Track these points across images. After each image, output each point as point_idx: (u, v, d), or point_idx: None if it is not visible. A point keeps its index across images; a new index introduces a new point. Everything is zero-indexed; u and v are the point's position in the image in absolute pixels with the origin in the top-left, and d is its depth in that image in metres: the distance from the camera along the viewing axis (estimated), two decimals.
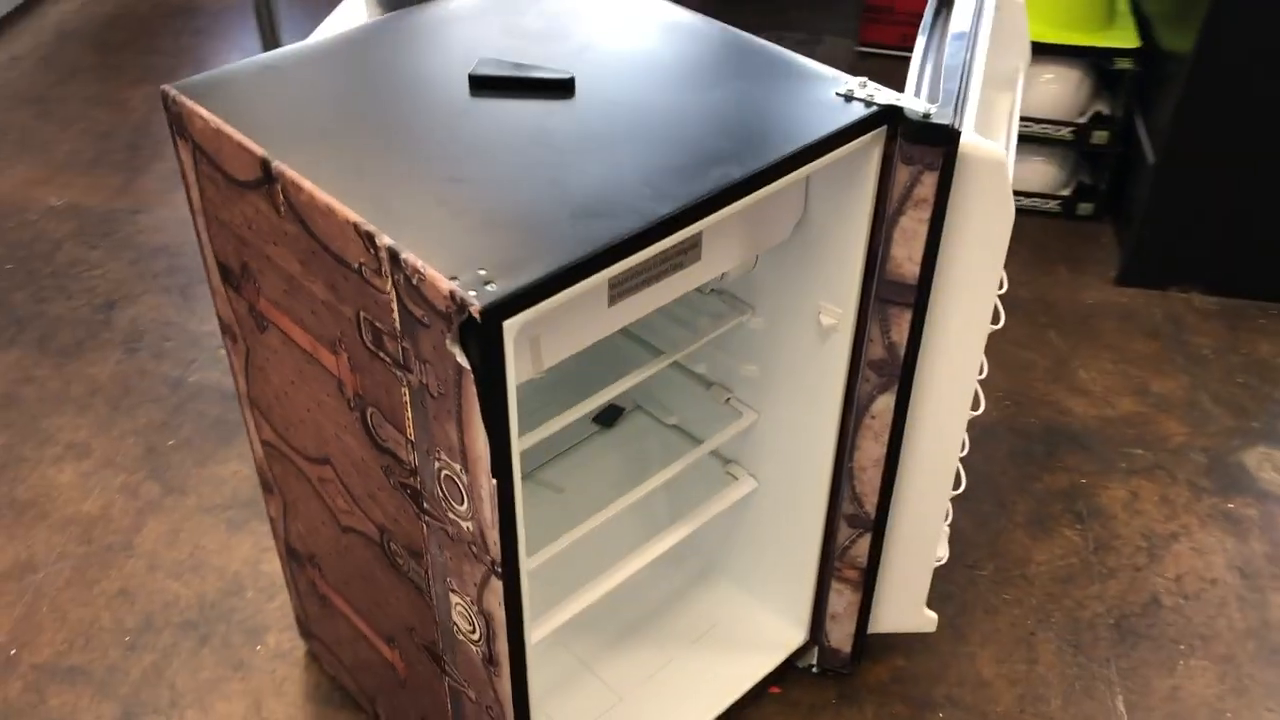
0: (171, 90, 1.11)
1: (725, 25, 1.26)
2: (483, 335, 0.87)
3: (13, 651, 1.62)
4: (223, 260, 1.19)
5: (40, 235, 2.43)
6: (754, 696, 1.53)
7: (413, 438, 1.02)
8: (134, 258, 2.37)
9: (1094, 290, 2.33)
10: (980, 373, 1.44)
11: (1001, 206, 1.15)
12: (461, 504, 1.01)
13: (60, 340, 2.16)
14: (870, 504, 1.38)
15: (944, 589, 1.73)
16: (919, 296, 1.20)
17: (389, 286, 0.93)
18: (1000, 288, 1.38)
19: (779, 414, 1.41)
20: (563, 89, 1.13)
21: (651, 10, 1.28)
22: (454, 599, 1.12)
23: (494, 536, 0.99)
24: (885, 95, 1.11)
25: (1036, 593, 1.73)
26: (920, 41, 1.28)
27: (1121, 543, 1.81)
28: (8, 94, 2.93)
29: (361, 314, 0.99)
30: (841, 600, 1.49)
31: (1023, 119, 2.42)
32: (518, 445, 0.95)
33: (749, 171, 1.01)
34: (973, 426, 2.03)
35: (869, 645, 1.62)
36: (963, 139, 1.12)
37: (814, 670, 1.60)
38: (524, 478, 1.57)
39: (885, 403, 1.29)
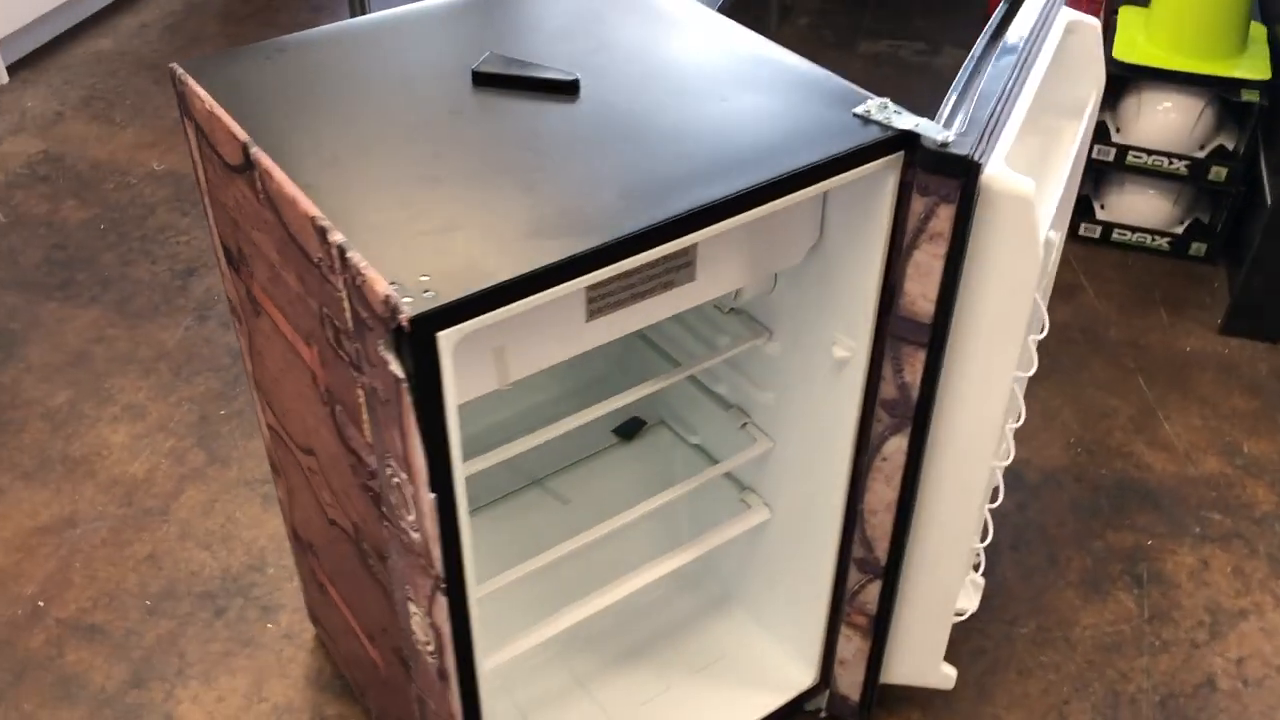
0: (179, 69, 1.11)
1: (759, 36, 1.19)
2: (416, 345, 0.83)
3: (40, 603, 1.66)
4: (225, 241, 1.19)
5: (137, 198, 2.51)
6: None
7: (370, 440, 1.00)
8: None
9: (1195, 337, 2.17)
10: (1017, 420, 1.35)
11: (1027, 246, 1.06)
12: (410, 514, 0.98)
13: (137, 303, 2.22)
14: (881, 550, 1.30)
15: (976, 643, 1.63)
16: (934, 337, 1.12)
17: (341, 285, 0.90)
18: (1040, 331, 1.28)
19: (793, 444, 1.34)
20: (567, 90, 1.08)
21: (685, 14, 1.23)
22: (410, 607, 1.09)
23: (436, 552, 0.96)
24: (904, 120, 1.04)
25: (1077, 658, 1.61)
26: (968, 61, 1.19)
27: (1182, 614, 1.68)
28: (131, 59, 3.03)
29: (324, 309, 0.97)
30: (850, 646, 1.42)
31: (1134, 149, 2.27)
32: (460, 459, 0.91)
33: (731, 192, 0.94)
34: (1034, 472, 1.93)
35: (885, 695, 1.54)
36: (987, 171, 1.04)
37: (822, 716, 1.52)
38: (533, 484, 1.55)
39: (897, 445, 1.21)
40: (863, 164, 1.02)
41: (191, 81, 1.09)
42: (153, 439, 1.93)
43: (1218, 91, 2.21)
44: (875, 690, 1.46)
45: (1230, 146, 2.25)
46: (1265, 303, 2.13)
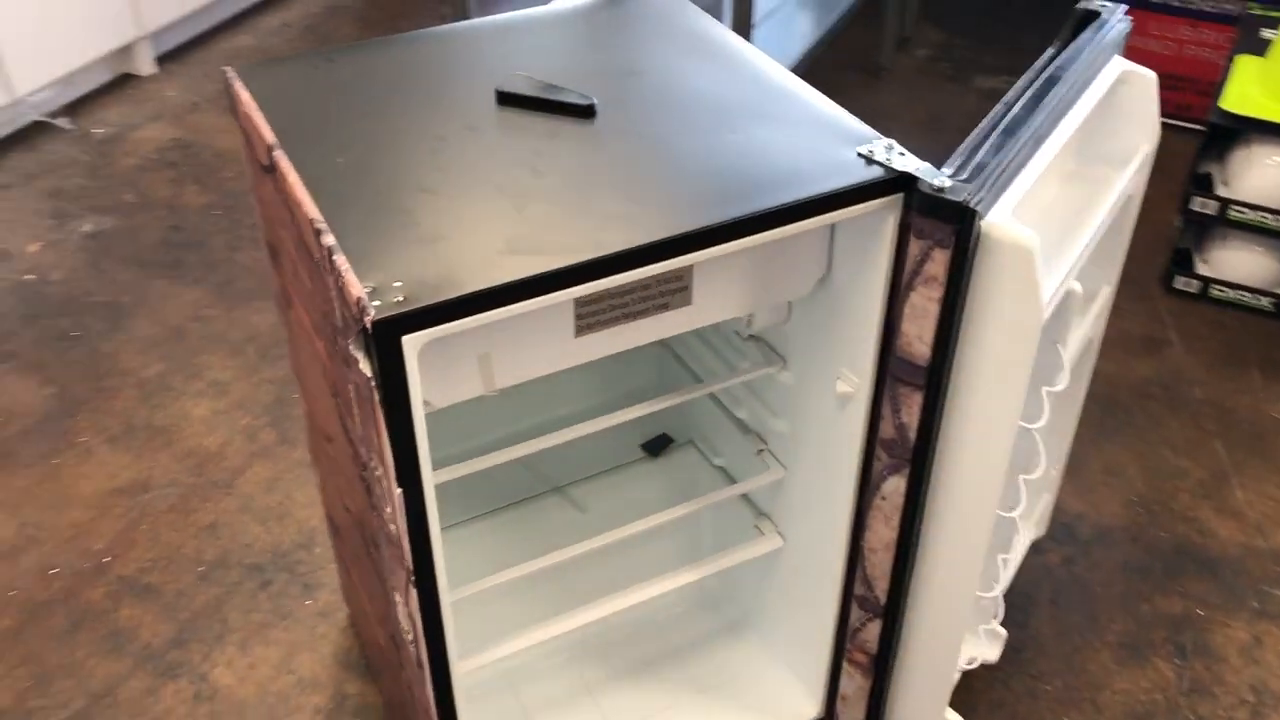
0: (229, 72, 1.18)
1: (788, 71, 1.21)
2: (382, 346, 0.88)
3: (106, 559, 1.78)
4: (267, 237, 1.26)
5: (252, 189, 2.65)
6: None
7: (360, 434, 1.05)
8: None
9: None
10: (1033, 471, 1.33)
11: (1028, 297, 1.05)
12: (388, 507, 1.02)
13: (237, 286, 2.34)
14: (880, 589, 1.30)
15: (997, 694, 1.60)
16: (930, 379, 1.11)
17: (332, 285, 0.96)
18: (1055, 385, 1.26)
19: (803, 475, 1.35)
20: (584, 114, 1.12)
21: (723, 47, 1.25)
22: (396, 596, 1.14)
23: (406, 545, 1.00)
24: (904, 162, 1.04)
25: None
26: (998, 107, 1.18)
27: (1224, 691, 1.61)
28: (270, 56, 3.20)
29: (324, 306, 1.02)
30: (852, 683, 1.41)
31: (1237, 204, 2.18)
32: (428, 459, 0.96)
33: (715, 222, 0.97)
34: (1087, 528, 1.87)
35: None
36: (988, 219, 1.03)
37: None
38: (554, 490, 1.59)
39: (895, 485, 1.20)
40: (860, 203, 1.03)
41: (238, 85, 1.16)
42: (230, 415, 2.04)
43: None
44: None
45: None
46: None
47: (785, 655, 1.52)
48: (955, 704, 1.48)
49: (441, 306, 0.88)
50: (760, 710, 1.49)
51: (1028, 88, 1.19)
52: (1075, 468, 1.94)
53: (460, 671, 1.18)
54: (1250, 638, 1.68)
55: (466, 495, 1.58)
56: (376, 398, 0.91)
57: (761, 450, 1.40)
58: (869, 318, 1.13)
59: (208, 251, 2.45)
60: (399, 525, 1.00)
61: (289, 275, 1.18)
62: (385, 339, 0.87)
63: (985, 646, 1.53)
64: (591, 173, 1.03)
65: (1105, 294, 1.45)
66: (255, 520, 1.84)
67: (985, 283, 1.06)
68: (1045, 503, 1.67)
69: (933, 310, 1.07)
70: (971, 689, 1.60)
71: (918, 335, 1.09)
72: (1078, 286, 1.22)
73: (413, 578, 1.03)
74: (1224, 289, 2.27)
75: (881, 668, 1.37)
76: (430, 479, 0.97)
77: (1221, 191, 2.22)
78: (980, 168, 1.04)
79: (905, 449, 1.17)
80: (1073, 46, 1.25)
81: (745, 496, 1.48)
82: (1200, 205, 2.23)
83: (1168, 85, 2.83)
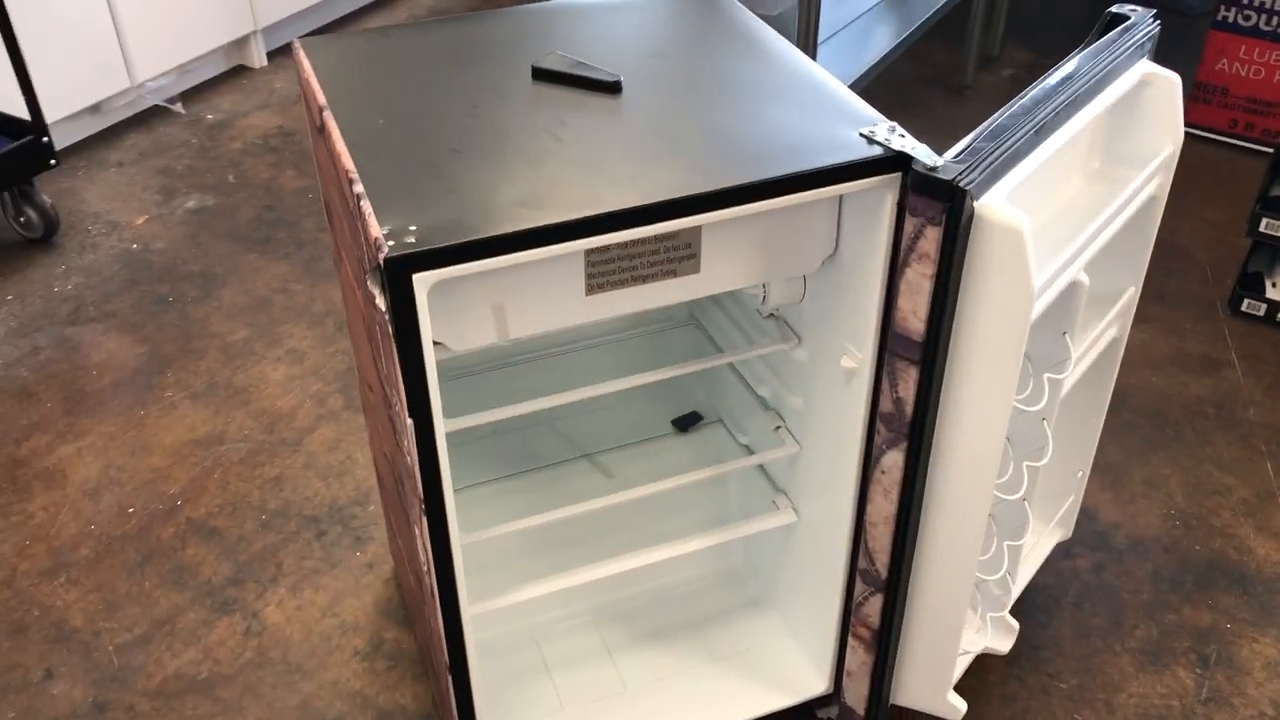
0: (296, 43, 1.30)
1: (808, 59, 1.27)
2: (394, 283, 0.97)
3: (179, 503, 1.91)
4: (324, 197, 1.37)
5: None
6: None
7: (386, 373, 1.14)
8: None
9: None
10: (1039, 459, 1.36)
11: (1019, 279, 1.09)
12: (405, 440, 1.11)
13: (322, 264, 2.48)
14: (881, 562, 1.34)
15: (1010, 688, 1.62)
16: (925, 354, 1.16)
17: (360, 229, 1.05)
18: (1061, 374, 1.30)
19: (815, 450, 1.40)
20: (610, 89, 1.20)
21: (749, 36, 1.32)
22: (415, 530, 1.23)
23: (417, 475, 1.09)
24: (902, 143, 1.09)
25: None
26: (1013, 101, 1.22)
27: (1243, 703, 1.61)
28: None
29: (359, 253, 1.12)
30: (856, 658, 1.45)
31: None
32: (437, 393, 1.04)
33: (710, 189, 1.04)
34: (1121, 537, 1.87)
35: (903, 717, 1.55)
36: (982, 201, 1.08)
37: None
38: (582, 457, 1.66)
39: (894, 459, 1.25)
40: (858, 179, 1.09)
41: (301, 55, 1.27)
42: (304, 381, 2.17)
43: None
44: (882, 708, 1.49)
45: None
46: None
47: (797, 631, 1.57)
48: (967, 693, 1.52)
49: (450, 249, 0.97)
50: (770, 682, 1.54)
51: (1042, 84, 1.23)
52: (1116, 478, 1.95)
53: (475, 612, 1.26)
54: (1278, 654, 1.67)
55: (500, 457, 1.67)
56: (390, 331, 1.00)
57: (779, 427, 1.46)
58: (870, 294, 1.19)
59: (298, 231, 2.59)
60: (412, 456, 1.09)
61: (338, 231, 1.29)
62: (397, 276, 0.96)
63: (996, 637, 1.56)
64: (609, 141, 1.11)
65: (1129, 295, 1.47)
66: (317, 476, 1.96)
67: (979, 263, 1.11)
68: (1070, 505, 1.69)
69: (926, 286, 1.12)
70: (985, 681, 1.63)
71: (913, 311, 1.14)
72: (1084, 278, 1.26)
73: (423, 506, 1.11)
74: None
75: (884, 642, 1.41)
76: (439, 410, 1.06)
77: None
78: (975, 152, 1.09)
79: (903, 423, 1.22)
80: (1093, 47, 1.28)
81: (764, 472, 1.54)
82: (1270, 226, 2.21)
83: (1255, 110, 2.80)
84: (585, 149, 1.10)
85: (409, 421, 1.05)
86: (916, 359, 1.17)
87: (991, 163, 1.09)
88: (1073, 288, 1.25)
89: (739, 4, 1.42)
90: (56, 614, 1.73)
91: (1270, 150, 2.65)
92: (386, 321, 1.00)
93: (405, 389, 1.03)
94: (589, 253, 1.08)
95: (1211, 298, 2.36)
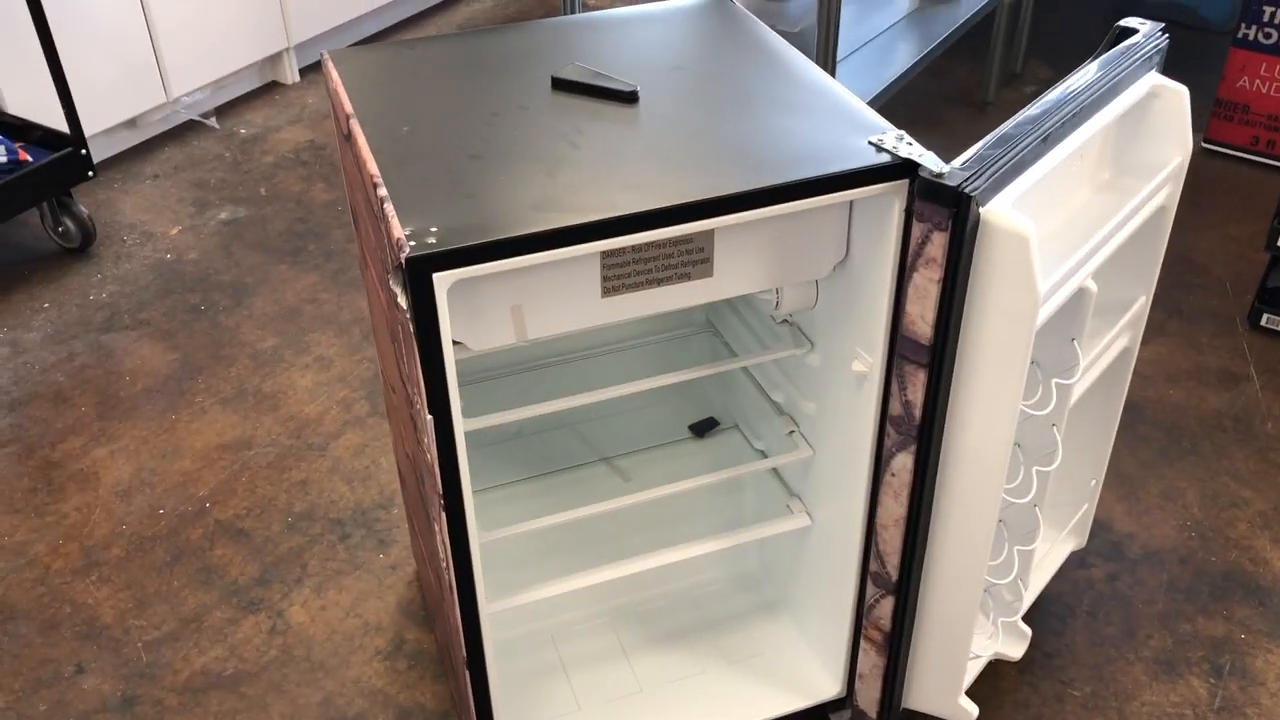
0: (325, 53, 1.34)
1: (821, 70, 1.31)
2: (415, 282, 1.01)
3: (208, 505, 1.96)
4: (351, 203, 1.41)
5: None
6: None
7: (407, 372, 1.18)
8: None
9: None
10: (1049, 464, 1.38)
11: (1024, 283, 1.12)
12: (426, 437, 1.15)
13: (350, 274, 2.53)
14: (891, 565, 1.36)
15: (1023, 695, 1.63)
16: (933, 358, 1.19)
17: (384, 231, 1.09)
18: (1070, 379, 1.32)
19: (828, 455, 1.43)
20: (627, 99, 1.24)
21: (764, 48, 1.35)
22: (435, 527, 1.26)
23: (437, 471, 1.13)
24: (910, 150, 1.12)
25: None
26: (1020, 113, 1.25)
27: (1256, 713, 1.61)
28: None
29: (383, 255, 1.16)
30: (868, 661, 1.47)
31: None
32: (456, 390, 1.08)
33: (721, 193, 1.07)
34: (1136, 547, 1.88)
35: None
36: (988, 207, 1.10)
37: None
38: (600, 460, 1.70)
39: (904, 461, 1.28)
40: (866, 185, 1.12)
41: (330, 65, 1.32)
42: (331, 388, 2.21)
43: None
44: (894, 711, 1.51)
45: None
46: None
47: (810, 634, 1.59)
48: (980, 699, 1.53)
49: (469, 249, 1.00)
50: (783, 685, 1.56)
51: (1050, 95, 1.26)
52: (1132, 490, 1.96)
53: (493, 609, 1.29)
54: None
55: (521, 460, 1.71)
56: (412, 329, 1.04)
57: (792, 431, 1.48)
58: (880, 299, 1.21)
59: (327, 242, 2.65)
60: (431, 453, 1.12)
61: (364, 235, 1.33)
62: (419, 275, 1.00)
63: (1008, 642, 1.57)
64: (625, 148, 1.15)
65: (1139, 304, 1.49)
66: (343, 480, 2.00)
67: (985, 268, 1.13)
68: (1084, 513, 1.70)
69: (933, 291, 1.15)
70: (998, 688, 1.64)
71: (920, 315, 1.17)
72: (1092, 285, 1.28)
73: (442, 502, 1.15)
74: None
75: (895, 645, 1.43)
76: (458, 408, 1.09)
77: None
78: (981, 159, 1.12)
79: (912, 426, 1.25)
80: (1102, 59, 1.31)
81: (779, 477, 1.56)
82: None
83: (1276, 127, 2.81)
84: (602, 155, 1.14)
85: (429, 418, 1.09)
86: (924, 362, 1.20)
87: (998, 170, 1.12)
88: (1080, 294, 1.27)
89: (756, 19, 1.45)
90: (88, 611, 1.78)
91: None
92: (408, 320, 1.04)
93: (425, 386, 1.06)
94: (605, 255, 1.12)
95: (1231, 313, 2.37)
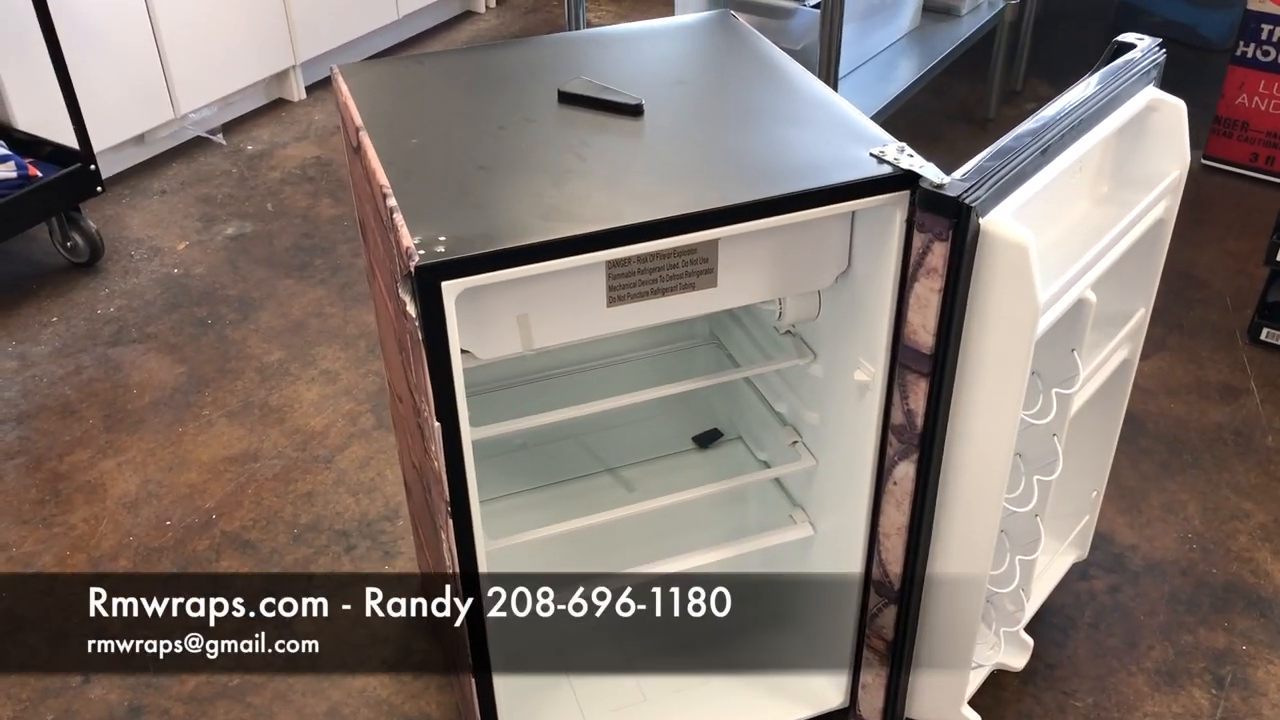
0: (335, 68, 1.36)
1: (823, 85, 1.32)
2: (424, 290, 1.02)
3: (214, 516, 1.97)
4: (358, 215, 1.43)
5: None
6: None
7: (415, 381, 1.19)
8: None
9: None
10: (1050, 474, 1.39)
11: (1024, 293, 1.13)
12: (433, 445, 1.16)
13: (356, 289, 2.55)
14: (894, 573, 1.37)
15: (1026, 705, 1.64)
16: (934, 367, 1.20)
17: (393, 241, 1.11)
18: (1070, 389, 1.33)
19: (831, 464, 1.44)
20: (632, 112, 1.25)
21: (767, 63, 1.37)
22: (442, 535, 1.27)
23: (444, 478, 1.14)
24: (910, 162, 1.14)
25: None
26: (1020, 126, 1.27)
27: None
28: None
29: (391, 266, 1.18)
30: (871, 670, 1.48)
31: None
32: (464, 399, 1.09)
33: (723, 204, 1.09)
34: (1138, 559, 1.89)
35: None
36: (988, 218, 1.12)
37: None
38: (605, 471, 1.71)
39: (905, 470, 1.29)
40: (868, 196, 1.14)
41: (340, 79, 1.34)
42: (336, 401, 2.23)
43: None
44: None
45: None
46: None
47: (814, 644, 1.60)
48: (983, 709, 1.54)
49: (477, 258, 1.02)
50: (787, 694, 1.57)
51: (1049, 109, 1.27)
52: (1133, 503, 1.96)
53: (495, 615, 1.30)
54: None
55: (527, 471, 1.72)
56: (420, 337, 1.05)
57: (795, 442, 1.50)
58: (882, 309, 1.23)
59: (333, 257, 2.67)
60: (439, 460, 1.14)
61: (372, 246, 1.34)
62: (427, 283, 1.02)
63: (1010, 652, 1.58)
64: (629, 160, 1.17)
65: (1139, 316, 1.50)
66: (348, 492, 2.01)
67: (985, 277, 1.15)
68: (1085, 524, 1.71)
69: (934, 300, 1.16)
70: (1001, 699, 1.65)
71: (922, 324, 1.18)
72: (1091, 296, 1.29)
73: (449, 509, 1.16)
74: None
75: (898, 655, 1.44)
76: (465, 414, 1.10)
77: None
78: (981, 171, 1.14)
79: (913, 434, 1.26)
80: (1100, 74, 1.33)
81: (782, 488, 1.57)
82: None
83: (1274, 144, 2.83)
84: (608, 167, 1.16)
85: (436, 425, 1.10)
86: (926, 371, 1.21)
87: (997, 181, 1.14)
88: (1080, 305, 1.29)
89: (760, 35, 1.47)
90: (95, 621, 1.79)
91: None
92: (417, 328, 1.05)
93: (433, 394, 1.08)
94: (610, 265, 1.13)
95: (1231, 327, 2.38)
